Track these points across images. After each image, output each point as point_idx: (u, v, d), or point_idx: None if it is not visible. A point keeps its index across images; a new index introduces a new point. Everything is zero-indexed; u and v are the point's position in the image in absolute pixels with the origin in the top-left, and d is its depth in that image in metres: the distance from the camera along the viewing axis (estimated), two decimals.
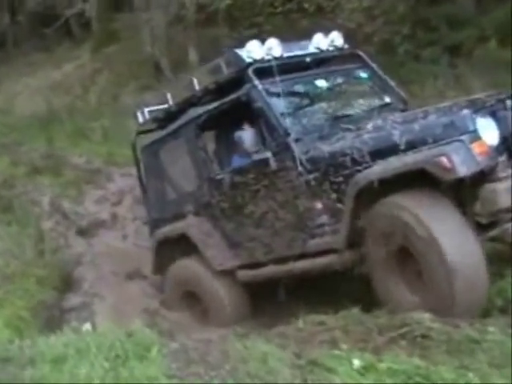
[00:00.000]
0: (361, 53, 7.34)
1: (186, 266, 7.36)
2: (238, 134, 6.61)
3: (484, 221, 5.40)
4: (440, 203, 5.34)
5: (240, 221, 6.82)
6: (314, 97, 6.78)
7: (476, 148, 5.27)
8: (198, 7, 15.93)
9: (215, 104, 6.88)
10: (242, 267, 6.94)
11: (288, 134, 6.23)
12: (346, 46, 7.28)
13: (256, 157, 6.41)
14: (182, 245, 7.30)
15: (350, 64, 7.28)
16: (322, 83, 6.83)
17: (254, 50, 6.59)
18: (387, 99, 7.10)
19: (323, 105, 6.84)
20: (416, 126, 5.68)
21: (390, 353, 4.93)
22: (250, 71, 6.52)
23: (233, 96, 6.67)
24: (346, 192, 5.81)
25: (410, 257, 5.42)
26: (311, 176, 6.13)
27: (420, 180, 5.38)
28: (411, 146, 5.55)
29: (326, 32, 7.10)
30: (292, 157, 6.19)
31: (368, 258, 5.77)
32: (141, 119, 7.86)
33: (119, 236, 9.79)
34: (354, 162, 5.87)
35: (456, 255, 5.11)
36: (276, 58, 6.61)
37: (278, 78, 6.43)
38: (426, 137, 5.52)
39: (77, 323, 6.59)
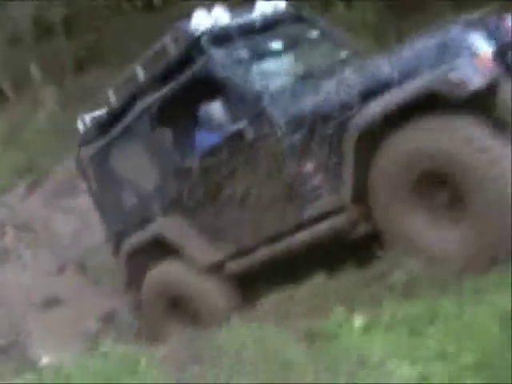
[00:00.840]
0: (306, 13, 6.93)
1: (165, 272, 6.71)
2: (204, 109, 5.96)
3: None
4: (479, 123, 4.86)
5: (218, 208, 6.22)
6: (272, 60, 6.26)
7: (479, 61, 4.88)
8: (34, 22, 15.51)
9: (167, 88, 6.28)
10: (229, 258, 6.34)
11: (260, 98, 5.71)
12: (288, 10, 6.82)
13: (229, 129, 5.85)
14: (155, 251, 6.67)
15: (297, 25, 6.80)
16: (277, 45, 6.34)
17: (201, 21, 6.07)
18: (343, 54, 6.69)
19: (284, 66, 6.35)
20: (405, 57, 5.22)
21: (382, 305, 4.82)
22: (203, 42, 5.99)
23: (187, 73, 6.10)
24: (344, 140, 5.30)
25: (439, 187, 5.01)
26: (295, 137, 5.60)
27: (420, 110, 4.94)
28: (406, 77, 5.07)
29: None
30: (269, 121, 5.67)
31: (380, 202, 5.24)
32: (82, 128, 7.19)
33: (19, 266, 9.36)
34: (343, 107, 5.35)
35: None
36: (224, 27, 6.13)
37: (233, 45, 6.00)
38: (420, 65, 5.05)
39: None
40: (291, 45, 6.56)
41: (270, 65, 6.16)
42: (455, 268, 4.81)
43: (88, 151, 7.24)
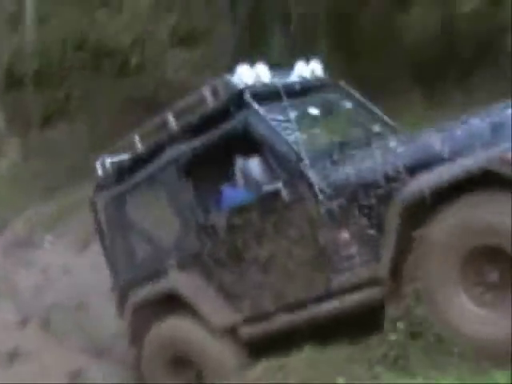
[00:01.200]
0: (342, 83, 6.91)
1: (172, 328, 6.35)
2: (241, 163, 5.86)
3: None
4: None
5: (240, 268, 5.98)
6: (309, 124, 6.19)
7: None
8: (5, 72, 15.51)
9: (201, 139, 6.11)
10: (245, 322, 6.07)
11: (301, 160, 5.57)
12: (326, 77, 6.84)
13: (264, 189, 5.68)
14: (163, 307, 6.35)
15: (333, 94, 6.81)
16: (314, 110, 6.28)
17: (245, 75, 5.99)
18: (377, 128, 6.66)
19: (320, 132, 6.30)
20: (456, 134, 5.20)
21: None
22: (246, 96, 5.87)
23: (226, 126, 5.95)
24: (389, 211, 5.16)
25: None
26: (334, 203, 5.45)
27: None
28: (456, 154, 5.03)
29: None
30: (308, 185, 5.52)
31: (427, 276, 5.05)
32: (101, 171, 6.91)
33: None
34: (388, 179, 5.26)
35: None
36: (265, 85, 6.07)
37: (274, 104, 5.88)
38: (472, 142, 5.04)
39: None
40: (327, 112, 6.54)
41: (307, 129, 6.05)
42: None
43: (104, 195, 6.97)
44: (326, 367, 5.33)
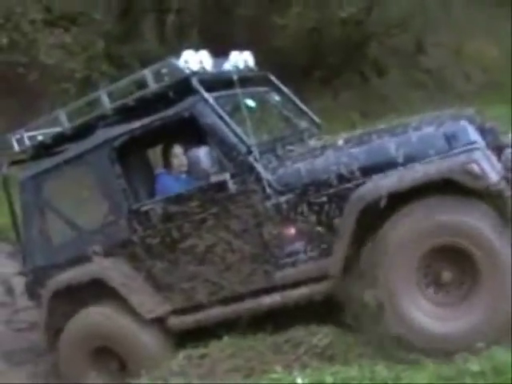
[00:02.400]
0: (272, 76, 6.90)
1: (96, 317, 6.06)
2: (193, 152, 5.60)
3: None
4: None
5: (174, 258, 5.83)
6: (248, 116, 5.92)
7: (491, 157, 5.11)
8: None
9: (139, 122, 5.86)
10: (175, 313, 5.94)
11: (250, 152, 5.52)
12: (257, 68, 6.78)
13: (213, 179, 5.54)
14: (86, 293, 6.05)
15: (263, 86, 6.80)
16: (250, 102, 6.16)
17: (191, 61, 5.82)
18: (304, 123, 6.73)
19: (259, 125, 6.16)
20: (410, 139, 5.30)
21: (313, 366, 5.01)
22: (195, 82, 5.71)
23: (168, 111, 5.76)
24: (345, 210, 5.22)
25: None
26: (282, 198, 5.44)
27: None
28: (411, 159, 5.17)
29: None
30: (257, 178, 5.48)
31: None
32: (17, 147, 6.46)
33: None
34: (342, 178, 5.32)
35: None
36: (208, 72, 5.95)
37: (217, 93, 5.83)
38: (427, 149, 5.18)
39: None
40: (261, 104, 6.48)
41: (247, 121, 5.84)
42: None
43: (21, 172, 6.56)
44: (251, 356, 5.38)
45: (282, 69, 15.35)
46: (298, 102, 6.94)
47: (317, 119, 6.92)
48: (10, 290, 8.29)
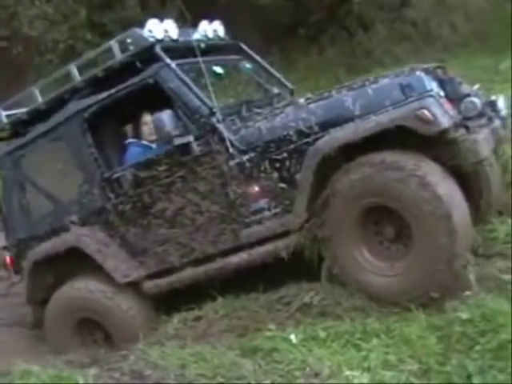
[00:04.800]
0: (243, 45, 7.03)
1: (77, 288, 6.23)
2: (157, 116, 5.72)
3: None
4: (428, 161, 5.11)
5: (146, 223, 6.01)
6: (215, 82, 6.16)
7: (445, 104, 5.21)
8: None
9: (110, 92, 5.99)
10: (149, 277, 6.11)
11: (213, 114, 5.64)
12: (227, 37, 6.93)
13: (177, 141, 5.65)
14: (67, 263, 6.24)
15: (234, 54, 6.94)
16: (218, 69, 6.33)
17: (155, 30, 5.92)
18: (275, 89, 6.87)
19: (226, 90, 6.39)
20: (367, 92, 5.38)
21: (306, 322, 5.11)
22: (158, 49, 5.84)
23: (134, 80, 5.89)
24: (304, 163, 5.33)
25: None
26: (245, 157, 5.57)
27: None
28: (367, 111, 5.26)
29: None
30: (220, 138, 5.61)
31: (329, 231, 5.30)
32: None
33: None
34: (301, 134, 5.43)
35: (456, 212, 4.92)
36: (173, 40, 6.06)
37: (183, 60, 5.96)
38: (382, 100, 5.26)
39: None
40: (230, 71, 6.64)
41: (213, 87, 5.97)
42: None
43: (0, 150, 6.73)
44: (245, 315, 5.49)
45: (266, 28, 15.54)
46: (270, 68, 7.09)
47: (289, 85, 7.07)
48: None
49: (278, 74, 7.07)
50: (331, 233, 5.29)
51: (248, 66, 6.91)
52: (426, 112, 4.97)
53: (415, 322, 4.73)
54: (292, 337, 4.82)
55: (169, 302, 6.11)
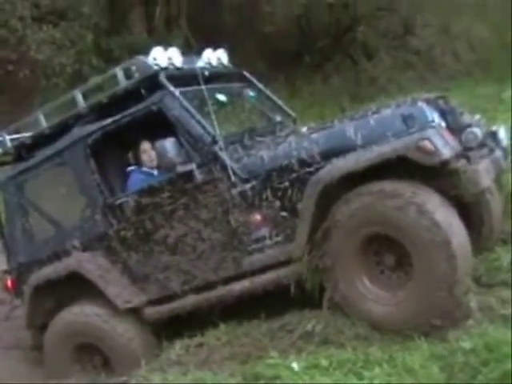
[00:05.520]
0: (246, 72, 7.10)
1: (77, 313, 6.23)
2: (160, 144, 5.76)
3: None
4: (425, 189, 5.13)
5: (148, 249, 6.03)
6: (218, 110, 6.20)
7: (446, 135, 5.25)
8: None
9: (113, 118, 6.04)
10: (150, 303, 6.11)
11: (216, 142, 5.67)
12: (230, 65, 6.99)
13: (179, 169, 5.70)
14: (68, 288, 6.25)
15: (237, 82, 7.00)
16: (221, 97, 6.39)
17: (159, 58, 5.99)
18: (278, 117, 6.90)
19: (228, 118, 6.41)
20: (369, 123, 5.43)
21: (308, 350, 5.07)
22: (162, 77, 5.90)
23: (138, 107, 5.94)
24: (305, 192, 5.34)
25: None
26: (247, 185, 5.59)
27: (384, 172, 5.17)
28: (369, 141, 5.29)
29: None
30: (222, 167, 5.63)
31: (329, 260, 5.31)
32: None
33: None
34: (303, 163, 5.46)
35: (455, 239, 4.92)
36: (177, 68, 6.13)
37: (186, 88, 6.00)
38: (384, 130, 5.30)
39: None
40: (233, 99, 6.67)
41: (216, 114, 5.99)
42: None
43: (3, 174, 6.79)
44: (247, 342, 5.48)
45: (271, 55, 15.63)
46: (273, 96, 7.14)
47: (292, 113, 7.12)
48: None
49: (280, 102, 7.13)
50: (332, 263, 5.28)
51: (251, 93, 6.95)
52: (427, 143, 5.00)
53: (417, 351, 4.70)
54: (294, 365, 4.79)
55: (171, 328, 6.09)
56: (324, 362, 4.78)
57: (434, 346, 4.73)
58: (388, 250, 5.22)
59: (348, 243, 5.21)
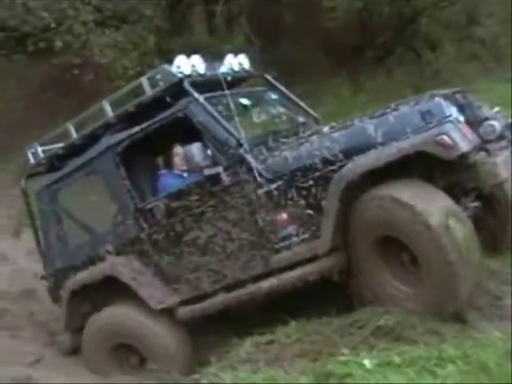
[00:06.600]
0: (268, 76, 7.29)
1: (113, 315, 6.47)
2: (187, 148, 6.01)
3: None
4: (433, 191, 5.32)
5: (179, 251, 6.21)
6: (242, 113, 6.40)
7: (464, 129, 5.38)
8: None
9: (140, 126, 6.24)
10: (184, 303, 6.27)
11: (241, 145, 5.84)
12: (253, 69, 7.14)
13: (207, 172, 5.87)
14: (103, 292, 6.47)
15: (260, 85, 7.23)
16: (245, 101, 6.57)
17: (182, 66, 6.17)
18: (301, 118, 7.04)
19: (252, 121, 6.61)
20: (389, 120, 5.56)
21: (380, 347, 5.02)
22: (186, 85, 6.07)
23: (165, 114, 6.12)
24: (329, 190, 5.50)
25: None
26: (273, 186, 5.75)
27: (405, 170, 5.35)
28: (389, 138, 5.43)
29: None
30: (248, 168, 5.81)
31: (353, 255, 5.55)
32: (32, 159, 7.00)
33: None
34: (326, 162, 5.60)
35: (454, 246, 5.05)
36: (201, 75, 6.31)
37: (211, 94, 6.19)
38: (403, 127, 5.44)
39: None
40: (256, 102, 6.83)
41: (240, 118, 6.20)
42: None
43: (38, 184, 7.06)
44: (317, 339, 5.48)
45: (333, 50, 15.55)
46: (295, 98, 7.29)
47: (314, 114, 7.25)
48: None
49: (302, 103, 7.28)
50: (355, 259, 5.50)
51: (273, 96, 7.11)
52: (445, 137, 5.16)
53: (491, 348, 4.58)
54: (366, 362, 4.72)
55: (241, 326, 6.15)
56: (396, 359, 4.70)
57: (507, 342, 4.59)
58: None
59: (363, 242, 5.46)
